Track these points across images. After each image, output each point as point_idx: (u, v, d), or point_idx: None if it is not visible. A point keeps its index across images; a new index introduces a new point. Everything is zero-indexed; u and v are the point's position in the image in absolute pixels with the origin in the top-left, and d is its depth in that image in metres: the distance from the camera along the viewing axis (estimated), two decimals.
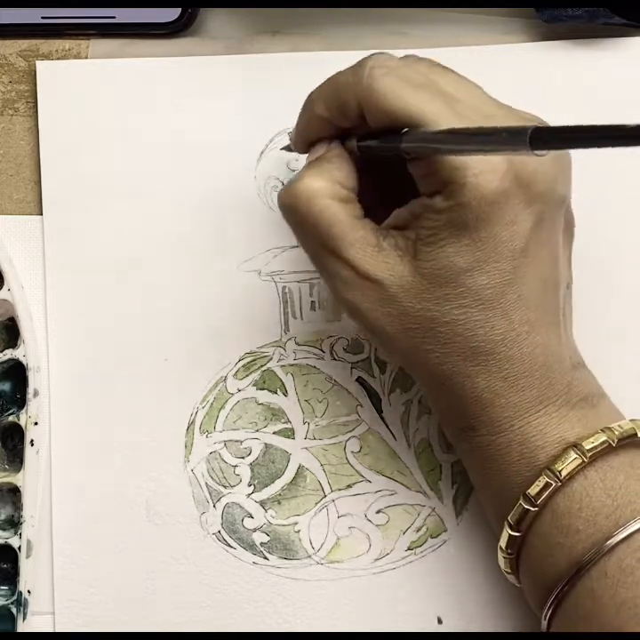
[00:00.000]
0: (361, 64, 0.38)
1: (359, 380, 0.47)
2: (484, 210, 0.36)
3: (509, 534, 0.39)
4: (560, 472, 0.37)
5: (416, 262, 0.38)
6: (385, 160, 0.40)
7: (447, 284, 0.37)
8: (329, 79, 0.40)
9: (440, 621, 0.46)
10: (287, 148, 0.45)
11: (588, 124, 0.29)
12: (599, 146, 0.28)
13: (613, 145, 0.28)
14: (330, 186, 0.39)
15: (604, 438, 0.38)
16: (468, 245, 0.37)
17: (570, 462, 0.37)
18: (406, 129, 0.37)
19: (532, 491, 0.38)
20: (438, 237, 0.37)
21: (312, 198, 0.39)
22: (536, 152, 0.30)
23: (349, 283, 0.39)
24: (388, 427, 0.46)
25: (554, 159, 0.38)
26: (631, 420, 0.39)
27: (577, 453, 0.37)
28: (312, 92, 0.40)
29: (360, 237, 0.39)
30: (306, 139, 0.41)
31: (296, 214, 0.39)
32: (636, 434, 0.38)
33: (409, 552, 0.46)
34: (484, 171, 0.36)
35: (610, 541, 0.37)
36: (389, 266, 0.38)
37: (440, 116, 0.36)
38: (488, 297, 0.37)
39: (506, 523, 0.39)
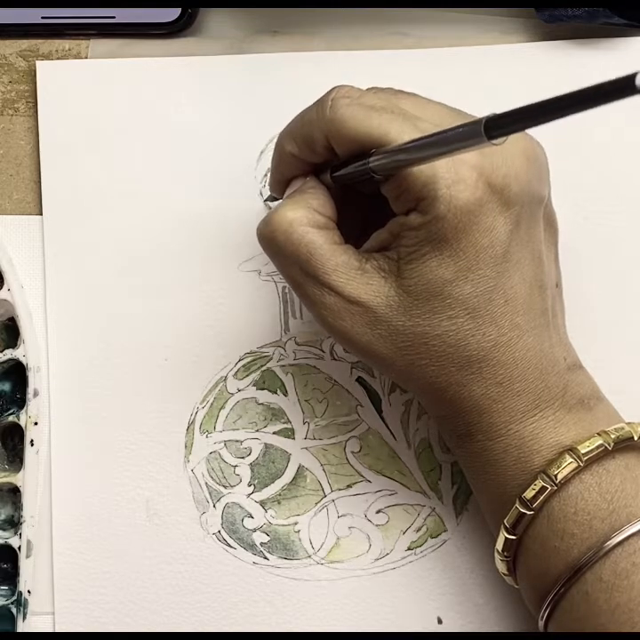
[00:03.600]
0: (323, 98, 0.39)
1: (359, 380, 0.47)
2: (461, 220, 0.36)
3: (506, 537, 0.39)
4: (556, 476, 0.37)
5: (400, 280, 0.38)
6: (360, 187, 0.40)
7: (434, 298, 0.37)
8: (295, 117, 0.40)
9: (440, 621, 0.46)
10: (270, 199, 0.46)
11: (536, 101, 0.29)
12: (551, 119, 0.29)
13: (564, 114, 0.28)
14: (307, 214, 0.39)
15: (600, 442, 0.38)
16: (450, 257, 0.37)
17: (565, 466, 0.37)
18: (373, 150, 0.37)
19: (528, 494, 0.38)
20: (420, 253, 0.37)
21: (289, 227, 0.39)
22: (493, 141, 0.31)
23: (335, 309, 0.39)
24: (387, 427, 0.46)
25: (526, 161, 0.38)
26: (628, 424, 0.39)
27: (573, 457, 0.37)
28: (281, 132, 0.41)
29: (342, 262, 0.39)
30: (282, 178, 0.42)
31: (275, 245, 0.39)
32: (632, 437, 0.38)
33: (409, 552, 0.46)
34: (454, 182, 0.36)
35: (605, 545, 0.37)
36: (374, 288, 0.38)
37: (403, 134, 0.37)
38: (475, 305, 0.37)
39: (502, 526, 0.39)
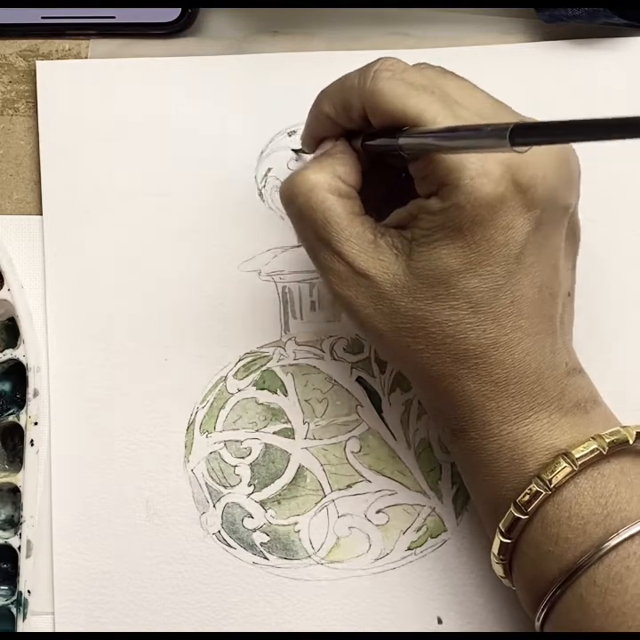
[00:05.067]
0: (368, 67, 0.39)
1: (359, 380, 0.47)
2: (479, 213, 0.36)
3: (501, 541, 0.39)
4: (550, 481, 0.37)
5: (410, 261, 0.38)
6: (390, 160, 0.40)
7: (439, 285, 0.37)
8: (338, 79, 0.40)
9: (440, 621, 0.46)
10: (300, 151, 0.46)
11: (567, 119, 0.29)
12: (577, 140, 0.29)
13: (591, 139, 0.28)
14: (330, 179, 0.39)
15: (595, 446, 0.37)
16: (462, 247, 0.37)
17: (560, 471, 0.37)
18: (406, 128, 0.37)
19: (523, 499, 0.38)
20: (432, 238, 0.37)
21: (310, 190, 0.39)
22: (516, 148, 0.31)
23: (343, 277, 0.39)
24: (387, 427, 0.46)
25: (557, 165, 0.37)
26: (623, 427, 0.39)
27: (567, 462, 0.37)
28: (322, 91, 0.41)
29: (356, 233, 0.39)
30: (314, 136, 0.42)
31: (294, 205, 0.40)
32: (627, 441, 0.38)
33: (409, 552, 0.46)
34: (479, 174, 0.36)
35: (599, 550, 0.37)
36: (384, 263, 0.38)
37: (437, 117, 0.36)
38: (479, 300, 0.37)
39: (497, 530, 0.39)
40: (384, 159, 0.40)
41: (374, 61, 0.39)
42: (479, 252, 0.37)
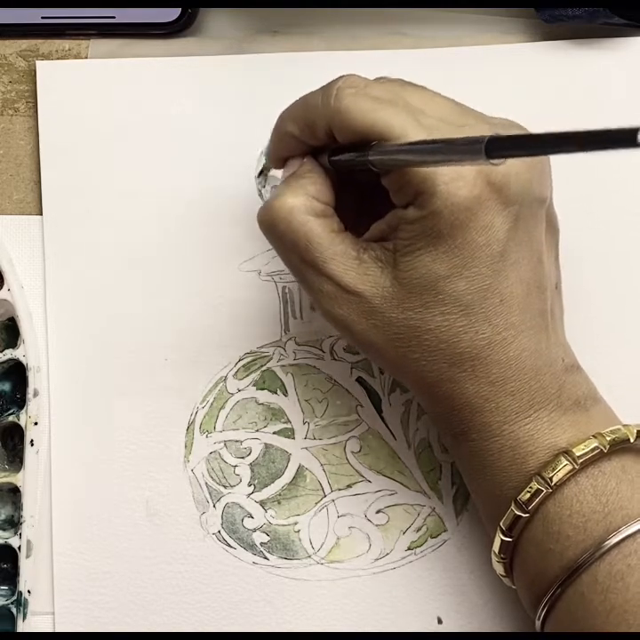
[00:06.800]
0: (329, 85, 0.39)
1: (359, 380, 0.47)
2: (457, 217, 0.36)
3: (502, 539, 0.39)
4: (551, 479, 0.37)
5: (396, 272, 0.38)
6: (358, 174, 0.40)
7: (427, 292, 0.37)
8: (299, 99, 0.40)
9: (440, 621, 0.46)
10: (266, 169, 0.45)
11: (542, 132, 0.29)
12: (552, 153, 0.29)
13: (565, 152, 0.28)
14: (305, 202, 0.39)
15: (596, 444, 0.37)
16: (445, 253, 0.37)
17: (560, 469, 0.37)
18: (374, 142, 0.37)
19: (523, 497, 0.38)
20: (415, 247, 0.37)
21: (289, 215, 0.39)
22: (492, 161, 0.31)
23: (332, 297, 0.39)
24: (387, 427, 0.46)
25: (528, 160, 0.37)
26: (624, 426, 0.39)
27: (568, 460, 0.37)
28: (284, 111, 0.41)
29: (340, 251, 0.39)
30: (279, 155, 0.42)
31: (275, 232, 0.40)
32: (628, 439, 0.38)
33: (409, 552, 0.46)
34: (453, 178, 0.36)
35: (601, 547, 0.37)
36: (371, 278, 0.38)
37: (407, 129, 0.36)
38: (469, 302, 0.37)
39: (498, 528, 0.39)
40: (353, 174, 0.40)
41: (335, 79, 0.39)
42: (463, 256, 0.37)
